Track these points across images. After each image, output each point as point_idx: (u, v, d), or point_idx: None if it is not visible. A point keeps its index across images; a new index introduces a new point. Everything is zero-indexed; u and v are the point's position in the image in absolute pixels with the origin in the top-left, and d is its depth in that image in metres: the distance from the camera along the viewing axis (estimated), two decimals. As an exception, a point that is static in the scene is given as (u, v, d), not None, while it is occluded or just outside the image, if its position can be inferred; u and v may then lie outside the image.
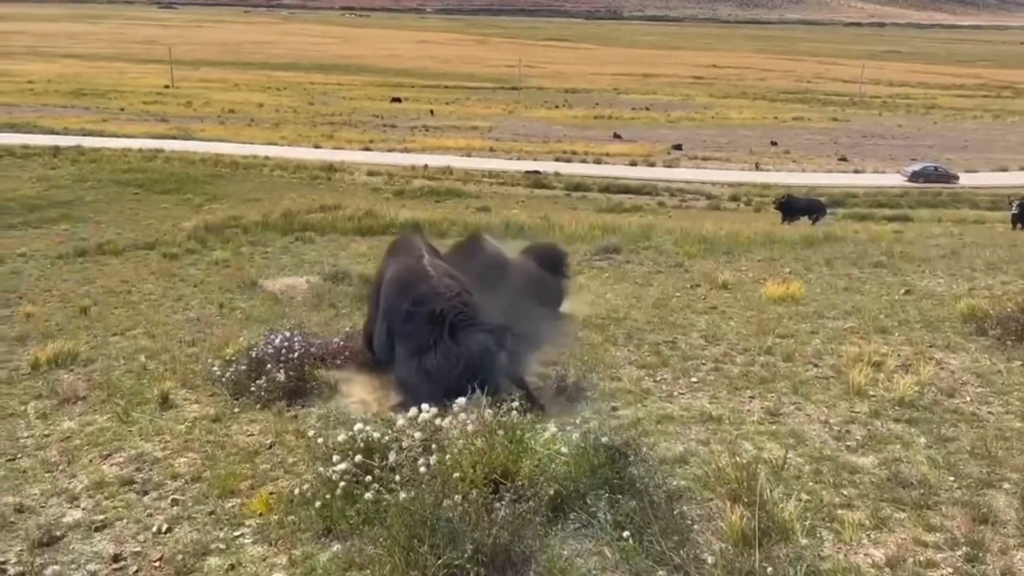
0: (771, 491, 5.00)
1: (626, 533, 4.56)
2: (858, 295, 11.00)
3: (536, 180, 45.94)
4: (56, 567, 4.15)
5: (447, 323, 6.47)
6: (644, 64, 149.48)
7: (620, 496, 4.90)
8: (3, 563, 4.40)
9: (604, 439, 5.18)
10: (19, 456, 6.18)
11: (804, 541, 4.61)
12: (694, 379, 7.54)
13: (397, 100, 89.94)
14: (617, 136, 69.07)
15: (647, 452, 5.50)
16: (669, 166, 55.89)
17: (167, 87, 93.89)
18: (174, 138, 54.77)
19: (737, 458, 5.40)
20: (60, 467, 5.96)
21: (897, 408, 6.69)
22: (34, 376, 8.10)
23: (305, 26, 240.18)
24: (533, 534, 4.46)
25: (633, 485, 4.97)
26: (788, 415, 6.65)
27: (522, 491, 4.72)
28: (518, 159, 55.11)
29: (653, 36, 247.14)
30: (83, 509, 5.33)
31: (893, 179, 52.24)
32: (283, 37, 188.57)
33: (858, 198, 44.24)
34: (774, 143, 67.02)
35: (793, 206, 31.94)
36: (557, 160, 55.21)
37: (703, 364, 7.96)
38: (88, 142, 48.05)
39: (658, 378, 7.59)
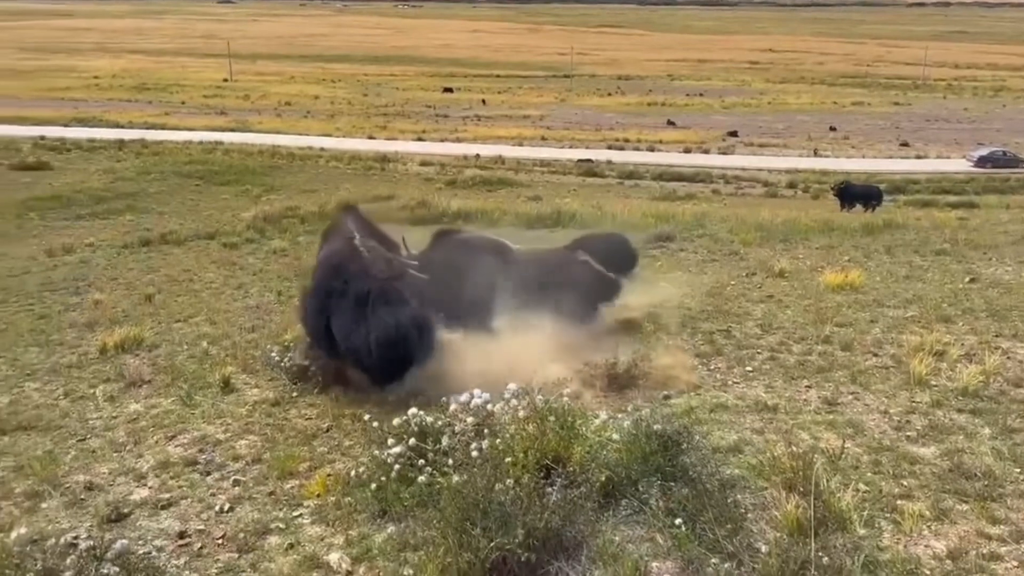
0: (828, 481, 4.92)
1: (678, 520, 4.53)
2: (920, 283, 10.70)
3: (588, 168, 45.68)
4: (124, 542, 4.31)
5: (371, 302, 6.54)
6: (698, 50, 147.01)
7: (672, 484, 4.87)
8: (75, 538, 4.59)
9: (656, 427, 5.16)
10: (89, 437, 6.44)
11: (862, 531, 4.53)
12: (749, 368, 7.44)
13: (449, 90, 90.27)
14: (671, 123, 68.22)
15: (700, 440, 5.46)
16: (724, 153, 55.00)
17: (226, 81, 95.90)
18: (233, 131, 56.07)
19: (793, 447, 5.31)
20: (127, 447, 6.20)
21: (960, 398, 6.51)
22: (102, 360, 8.41)
23: (359, 18, 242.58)
24: (585, 519, 4.48)
25: (686, 473, 4.93)
26: (846, 405, 6.52)
27: (573, 477, 4.74)
28: (570, 147, 54.87)
29: (708, 21, 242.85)
30: (149, 488, 5.53)
31: (958, 164, 50.50)
32: (337, 29, 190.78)
33: (920, 184, 42.91)
34: (833, 128, 65.42)
35: (851, 192, 31.27)
36: (609, 148, 54.80)
37: (758, 353, 7.84)
38: (151, 135, 49.51)
39: (712, 367, 7.51)
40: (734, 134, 61.98)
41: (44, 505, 5.35)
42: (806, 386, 6.96)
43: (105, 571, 3.97)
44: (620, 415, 6.21)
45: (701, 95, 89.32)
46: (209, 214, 22.33)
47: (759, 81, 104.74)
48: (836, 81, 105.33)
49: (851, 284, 10.29)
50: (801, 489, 4.74)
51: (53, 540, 4.40)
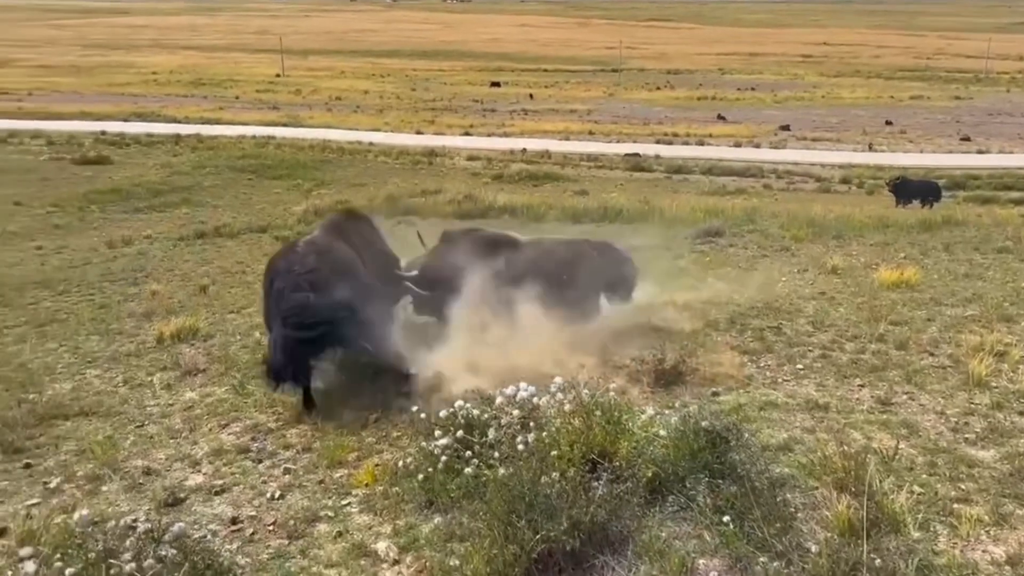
0: (881, 482, 4.82)
1: (726, 518, 4.48)
2: (980, 281, 10.39)
3: (636, 163, 45.22)
4: (181, 525, 4.43)
5: (282, 296, 6.56)
6: (750, 43, 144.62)
7: (720, 481, 4.81)
8: (133, 521, 4.73)
9: (704, 423, 5.10)
10: (146, 423, 6.64)
11: (916, 534, 4.43)
12: (799, 366, 7.32)
13: (496, 84, 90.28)
14: (721, 117, 67.18)
15: (749, 438, 5.38)
16: (776, 147, 53.92)
17: (278, 76, 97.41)
18: (285, 125, 56.80)
19: (845, 447, 5.22)
20: (183, 434, 6.37)
21: (1022, 400, 6.31)
22: (159, 349, 8.65)
23: (408, 13, 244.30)
24: (631, 514, 4.46)
25: (734, 470, 4.87)
26: (901, 405, 6.37)
27: (620, 471, 4.72)
28: (617, 142, 54.34)
29: (760, 14, 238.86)
30: (204, 474, 5.68)
31: (1022, 160, 48.77)
32: (387, 25, 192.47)
33: (981, 180, 41.55)
34: (889, 123, 63.70)
35: (907, 188, 30.42)
36: (658, 142, 54.08)
37: (810, 351, 7.71)
38: (206, 130, 50.44)
39: (761, 364, 7.41)
40: (786, 128, 60.75)
41: (104, 488, 5.53)
42: (859, 385, 6.82)
43: (163, 553, 4.09)
44: (667, 411, 6.18)
45: (752, 89, 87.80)
46: (261, 207, 22.69)
47: (812, 75, 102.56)
48: (893, 75, 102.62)
49: (907, 282, 10.03)
50: (853, 489, 4.66)
51: (113, 522, 4.54)
